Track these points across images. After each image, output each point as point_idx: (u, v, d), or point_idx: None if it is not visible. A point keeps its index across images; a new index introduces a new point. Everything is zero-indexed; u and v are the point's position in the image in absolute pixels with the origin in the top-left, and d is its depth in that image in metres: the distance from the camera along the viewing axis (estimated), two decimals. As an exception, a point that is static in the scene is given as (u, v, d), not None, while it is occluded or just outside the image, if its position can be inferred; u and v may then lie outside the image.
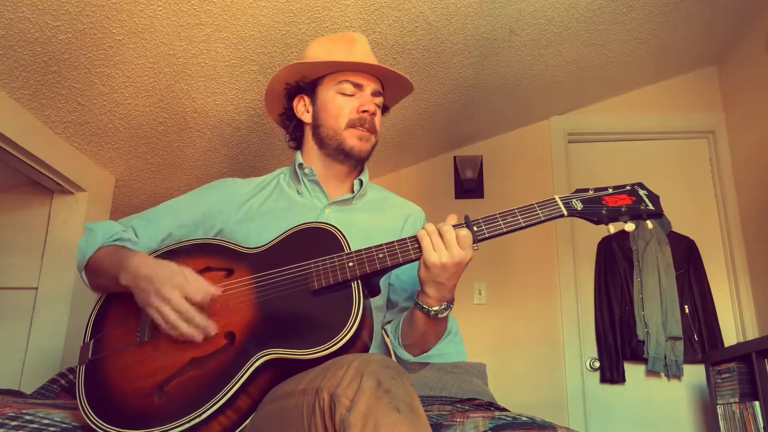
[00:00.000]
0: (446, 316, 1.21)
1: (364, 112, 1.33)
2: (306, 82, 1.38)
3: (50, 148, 2.15)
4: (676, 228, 3.23)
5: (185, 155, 2.52)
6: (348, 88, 1.34)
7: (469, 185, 3.32)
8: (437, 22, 2.29)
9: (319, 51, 1.38)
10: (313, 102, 1.39)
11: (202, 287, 1.10)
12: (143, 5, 1.80)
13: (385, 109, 1.44)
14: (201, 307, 1.10)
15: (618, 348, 3.07)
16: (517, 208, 1.16)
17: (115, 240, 1.27)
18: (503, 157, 3.40)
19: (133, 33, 1.88)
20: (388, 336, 1.36)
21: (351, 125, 1.33)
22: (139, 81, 2.06)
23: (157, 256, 1.28)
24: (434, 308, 1.18)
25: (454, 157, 3.40)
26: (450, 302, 1.19)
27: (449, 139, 3.31)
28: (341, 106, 1.34)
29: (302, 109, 1.40)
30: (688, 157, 3.39)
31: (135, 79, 2.05)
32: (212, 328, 1.09)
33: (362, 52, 1.37)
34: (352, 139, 1.34)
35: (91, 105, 2.10)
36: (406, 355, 1.28)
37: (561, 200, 1.17)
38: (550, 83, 3.01)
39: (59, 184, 2.32)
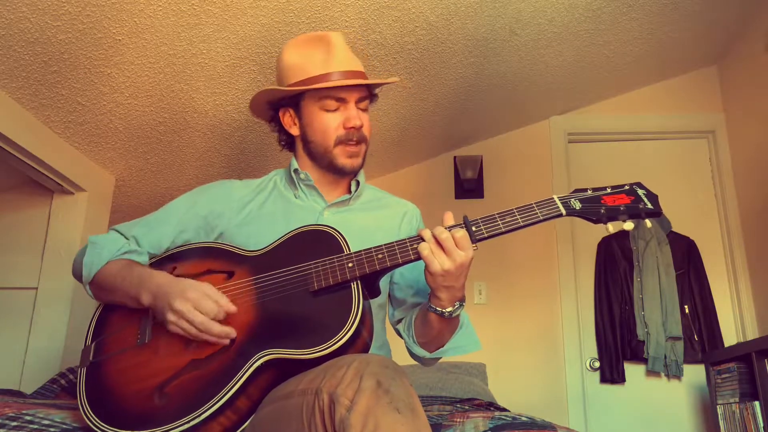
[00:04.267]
0: (459, 314, 1.22)
1: (351, 128, 1.31)
2: (287, 98, 1.35)
3: (50, 148, 2.15)
4: (676, 228, 3.23)
5: (185, 155, 2.52)
6: (331, 104, 1.30)
7: (469, 185, 3.32)
8: (437, 22, 2.29)
9: (295, 58, 1.33)
10: (299, 116, 1.36)
11: (215, 303, 1.10)
12: (143, 5, 1.80)
13: (372, 97, 1.40)
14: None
15: (618, 348, 3.07)
16: (515, 208, 1.17)
17: (123, 254, 1.26)
18: (503, 157, 3.40)
19: (133, 33, 1.88)
20: (400, 335, 1.36)
21: (340, 142, 1.31)
22: (139, 81, 2.06)
23: (158, 260, 1.29)
24: (448, 309, 1.19)
25: (454, 157, 3.40)
26: (462, 301, 1.20)
27: (449, 139, 3.31)
28: (327, 123, 1.31)
29: (289, 121, 1.38)
30: (688, 157, 3.39)
31: (135, 79, 2.05)
32: (232, 333, 1.10)
33: (341, 58, 1.31)
34: (343, 158, 1.32)
35: (91, 105, 2.10)
36: (422, 352, 1.29)
37: (559, 200, 1.18)
38: (550, 83, 3.01)
39: (59, 184, 2.32)
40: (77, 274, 1.28)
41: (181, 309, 1.08)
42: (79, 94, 2.03)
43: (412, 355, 1.34)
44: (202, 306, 1.09)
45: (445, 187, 3.38)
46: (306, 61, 1.32)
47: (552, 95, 3.17)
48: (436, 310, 1.19)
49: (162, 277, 1.16)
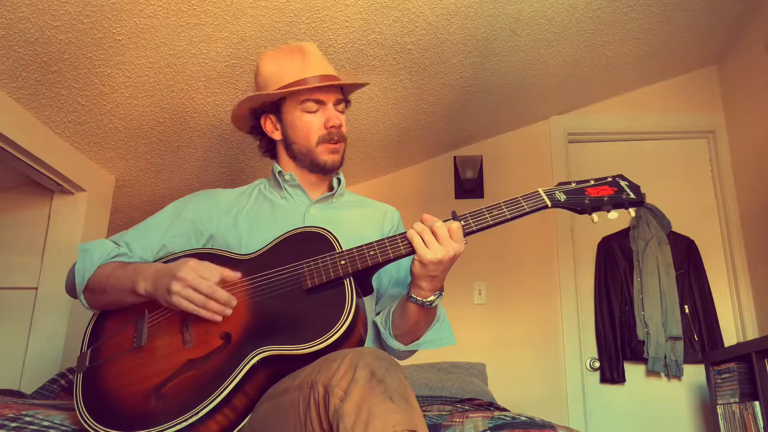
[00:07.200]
0: (437, 305, 1.24)
1: (332, 127, 1.37)
2: (268, 104, 1.41)
3: (50, 148, 2.15)
4: (676, 228, 3.23)
5: (185, 155, 2.52)
6: (311, 106, 1.37)
7: (469, 185, 3.31)
8: (437, 22, 2.29)
9: (273, 68, 1.40)
10: (280, 120, 1.42)
11: (216, 270, 1.13)
12: (143, 5, 1.80)
13: (347, 102, 1.47)
14: None
15: (618, 348, 3.07)
16: (502, 202, 1.20)
17: (113, 257, 1.28)
18: (503, 157, 3.40)
19: (133, 33, 1.88)
20: (377, 327, 1.37)
21: (321, 141, 1.38)
22: (139, 81, 2.06)
23: None
24: (429, 298, 1.21)
25: (454, 157, 3.40)
26: (441, 290, 1.22)
27: (449, 139, 3.31)
28: (309, 124, 1.38)
29: (270, 127, 1.44)
30: (688, 157, 3.39)
31: (135, 79, 2.05)
32: (234, 300, 1.13)
33: (315, 65, 1.38)
34: (325, 155, 1.39)
35: (91, 105, 2.10)
36: (397, 345, 1.30)
37: (545, 192, 1.21)
38: (550, 83, 3.01)
39: (59, 184, 2.32)
40: (71, 289, 1.30)
41: (186, 276, 1.09)
42: (79, 94, 2.03)
43: (387, 348, 1.35)
44: (206, 273, 1.11)
45: (445, 187, 3.38)
46: (283, 69, 1.38)
47: (552, 95, 3.17)
48: (416, 300, 1.21)
49: (158, 264, 1.20)
